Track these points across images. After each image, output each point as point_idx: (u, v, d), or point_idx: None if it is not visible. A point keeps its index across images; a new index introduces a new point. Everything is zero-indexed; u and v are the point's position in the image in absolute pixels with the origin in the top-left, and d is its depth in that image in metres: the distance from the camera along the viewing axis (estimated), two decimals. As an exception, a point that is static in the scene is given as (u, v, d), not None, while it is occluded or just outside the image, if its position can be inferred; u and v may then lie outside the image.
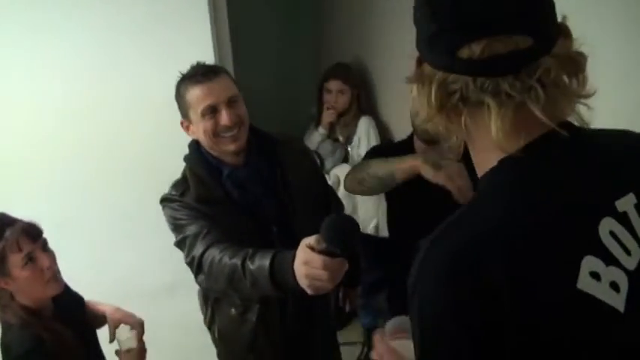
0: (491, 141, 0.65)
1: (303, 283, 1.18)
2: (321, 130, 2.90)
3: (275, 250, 1.30)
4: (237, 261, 1.33)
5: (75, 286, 1.68)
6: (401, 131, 2.53)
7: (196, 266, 1.44)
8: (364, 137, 2.80)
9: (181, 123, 1.61)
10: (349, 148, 2.86)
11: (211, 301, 1.73)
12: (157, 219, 2.01)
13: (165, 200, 1.59)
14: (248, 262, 1.31)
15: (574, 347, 0.63)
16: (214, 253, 1.39)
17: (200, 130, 1.54)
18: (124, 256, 2.32)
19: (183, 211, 1.54)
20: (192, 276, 1.64)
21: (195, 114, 1.54)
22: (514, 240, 0.63)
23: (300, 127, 3.12)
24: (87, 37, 2.18)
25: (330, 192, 1.91)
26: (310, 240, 1.18)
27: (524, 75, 0.62)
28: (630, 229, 0.65)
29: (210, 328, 1.79)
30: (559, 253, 0.63)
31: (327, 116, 2.84)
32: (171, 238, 1.97)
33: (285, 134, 1.80)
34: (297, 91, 3.86)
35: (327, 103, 2.80)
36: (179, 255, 1.88)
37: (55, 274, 1.49)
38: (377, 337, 1.00)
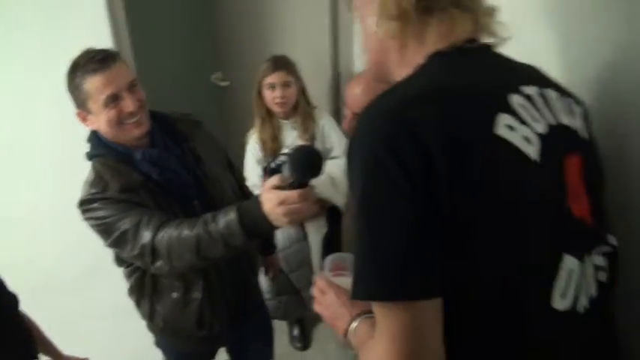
0: (426, 46, 0.81)
1: (282, 221, 1.22)
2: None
3: (234, 205, 1.33)
4: (200, 229, 1.34)
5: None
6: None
7: (150, 253, 1.40)
8: (331, 130, 2.50)
9: (78, 114, 1.54)
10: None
11: (149, 294, 1.68)
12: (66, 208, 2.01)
13: (84, 203, 1.50)
14: (212, 225, 1.33)
15: (500, 189, 0.72)
16: (169, 233, 1.38)
17: (103, 120, 1.49)
18: (43, 248, 2.28)
19: (108, 208, 1.46)
20: (109, 259, 1.69)
21: (95, 104, 1.47)
22: (440, 96, 0.73)
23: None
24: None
25: (228, 155, 1.89)
26: (273, 181, 1.23)
27: None
28: (535, 106, 0.78)
29: (151, 320, 1.74)
30: (478, 107, 0.75)
31: (278, 109, 2.44)
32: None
33: (177, 112, 1.78)
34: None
35: (273, 100, 2.40)
36: (92, 244, 1.87)
37: None
38: (318, 275, 1.06)
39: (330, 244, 2.52)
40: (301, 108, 2.47)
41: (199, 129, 1.74)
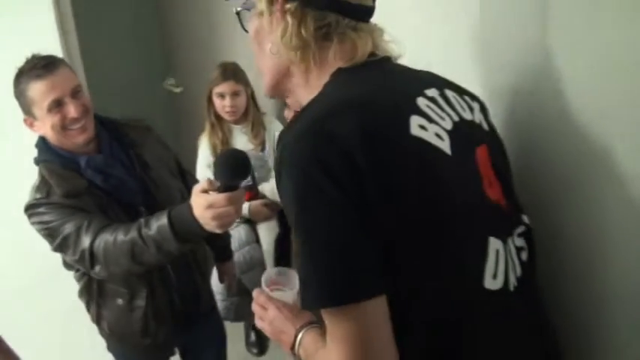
0: (329, 67, 0.86)
1: (211, 225, 1.21)
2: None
3: (166, 209, 1.33)
4: (134, 234, 1.34)
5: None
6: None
7: (89, 258, 1.41)
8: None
9: (25, 120, 1.55)
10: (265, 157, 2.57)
11: (95, 298, 1.68)
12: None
13: (30, 207, 1.50)
14: (145, 230, 1.32)
15: (423, 184, 0.77)
16: (105, 238, 1.38)
17: (47, 125, 1.49)
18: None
19: (53, 213, 1.47)
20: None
21: (39, 110, 1.48)
22: (353, 106, 0.78)
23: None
24: None
25: (179, 161, 1.89)
26: (202, 185, 1.22)
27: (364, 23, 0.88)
28: (439, 106, 0.85)
29: (99, 324, 1.74)
30: (391, 112, 0.80)
31: (228, 117, 2.49)
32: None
33: (126, 117, 1.79)
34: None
35: (223, 109, 2.46)
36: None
37: None
38: (256, 291, 1.05)
39: (283, 246, 2.56)
40: (251, 114, 2.52)
41: (149, 135, 1.75)
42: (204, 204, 1.20)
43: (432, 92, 0.87)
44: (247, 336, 2.77)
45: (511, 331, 0.85)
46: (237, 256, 2.44)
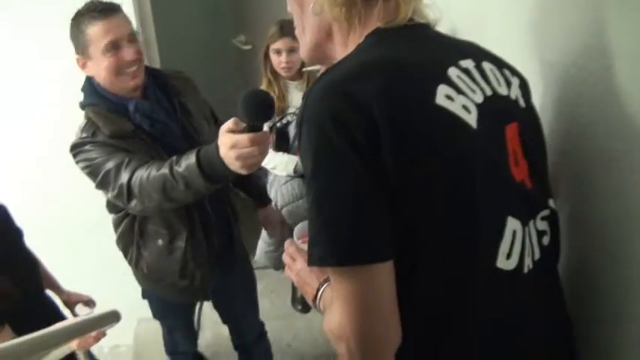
0: (368, 27, 0.84)
1: (235, 165, 1.22)
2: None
3: (197, 147, 1.37)
4: (165, 170, 1.39)
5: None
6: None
7: (126, 193, 1.47)
8: None
9: (77, 60, 1.60)
10: None
11: (136, 239, 1.75)
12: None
13: (76, 146, 1.57)
14: (175, 168, 1.37)
15: (443, 155, 0.75)
16: (141, 174, 1.44)
17: (101, 66, 1.54)
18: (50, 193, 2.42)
19: (97, 151, 1.54)
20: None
21: (96, 50, 1.53)
22: (381, 69, 0.76)
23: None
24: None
25: (212, 109, 1.95)
26: (228, 124, 1.22)
27: None
28: (472, 78, 0.81)
29: (137, 266, 1.80)
30: (419, 79, 0.77)
31: (284, 73, 2.48)
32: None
33: (170, 69, 1.88)
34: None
35: (279, 65, 2.45)
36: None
37: None
38: (287, 242, 1.07)
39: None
40: (307, 71, 2.52)
41: (189, 84, 1.80)
42: (228, 143, 1.21)
43: (466, 63, 0.83)
44: (294, 291, 2.84)
45: (519, 312, 0.83)
46: (290, 209, 2.47)
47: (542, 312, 0.87)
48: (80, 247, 2.50)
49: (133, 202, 1.50)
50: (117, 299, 1.44)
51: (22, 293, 1.58)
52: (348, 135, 0.71)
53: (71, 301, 1.84)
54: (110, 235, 2.44)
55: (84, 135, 1.57)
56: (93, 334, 1.43)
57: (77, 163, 1.58)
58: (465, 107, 0.78)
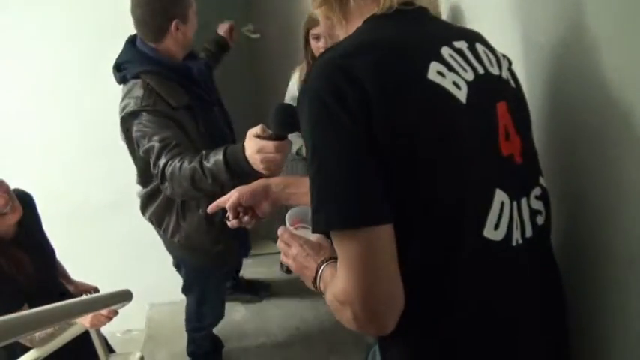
0: (364, 15, 0.89)
1: (259, 167, 1.37)
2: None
3: (224, 146, 1.51)
4: (195, 164, 1.53)
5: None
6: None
7: (160, 176, 1.63)
8: None
9: (175, 25, 1.74)
10: None
11: (176, 210, 1.88)
12: (100, 142, 2.19)
13: (135, 113, 1.71)
14: (204, 162, 1.51)
15: (434, 127, 0.79)
16: (175, 164, 1.59)
17: (191, 30, 1.78)
18: (70, 177, 2.48)
19: (152, 120, 1.68)
20: (132, 196, 1.91)
21: (192, 13, 1.76)
22: (375, 47, 0.81)
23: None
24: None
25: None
26: (256, 130, 1.36)
27: None
28: (464, 58, 0.85)
29: (173, 236, 1.93)
30: (412, 56, 0.82)
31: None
32: (113, 160, 2.15)
33: None
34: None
35: (317, 50, 2.45)
36: (122, 176, 2.08)
37: (11, 205, 1.57)
38: (280, 229, 1.08)
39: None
40: None
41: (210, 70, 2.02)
42: (254, 147, 1.35)
43: (460, 44, 0.87)
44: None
45: (508, 282, 0.85)
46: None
47: (538, 291, 0.89)
48: (93, 233, 2.56)
49: (165, 185, 1.65)
50: (129, 285, 1.50)
51: (42, 277, 1.66)
52: (344, 105, 0.75)
53: (78, 291, 1.90)
54: (123, 222, 2.52)
55: (144, 104, 1.70)
56: (104, 312, 1.47)
57: (132, 125, 1.71)
58: (455, 83, 0.82)
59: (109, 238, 2.57)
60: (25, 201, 1.70)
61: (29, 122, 2.39)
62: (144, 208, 1.96)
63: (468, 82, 0.83)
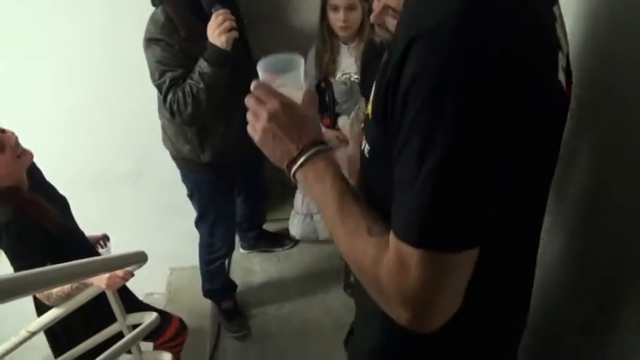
0: None
1: (220, 41, 1.68)
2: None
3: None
4: (188, 81, 1.73)
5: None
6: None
7: (170, 112, 1.78)
8: None
9: None
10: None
11: (204, 127, 1.95)
12: (116, 110, 2.21)
13: (150, 41, 1.74)
14: (191, 75, 1.73)
15: (550, 132, 0.70)
16: (177, 94, 1.74)
17: None
18: (93, 144, 2.52)
19: (167, 52, 1.73)
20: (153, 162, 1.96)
21: None
22: (518, 33, 0.61)
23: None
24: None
25: None
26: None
27: None
28: (564, 34, 0.74)
29: (203, 151, 2.00)
30: (547, 48, 0.66)
31: (341, 32, 2.22)
32: (135, 127, 2.18)
33: None
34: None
35: (336, 23, 2.19)
36: (143, 143, 2.11)
37: (22, 148, 1.60)
38: (254, 83, 0.80)
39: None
40: (366, 34, 2.22)
41: None
42: (209, 32, 1.67)
43: (557, 12, 0.73)
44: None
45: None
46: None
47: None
48: (115, 199, 2.61)
49: (176, 117, 1.80)
50: (150, 251, 1.51)
51: (65, 220, 1.74)
52: (503, 107, 0.59)
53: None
54: (144, 188, 2.57)
55: (159, 34, 1.73)
56: (120, 273, 1.51)
57: (145, 53, 1.77)
58: (564, 70, 0.71)
59: (130, 204, 2.62)
60: None
61: (49, 91, 2.41)
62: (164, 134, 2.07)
63: (564, 70, 0.70)
